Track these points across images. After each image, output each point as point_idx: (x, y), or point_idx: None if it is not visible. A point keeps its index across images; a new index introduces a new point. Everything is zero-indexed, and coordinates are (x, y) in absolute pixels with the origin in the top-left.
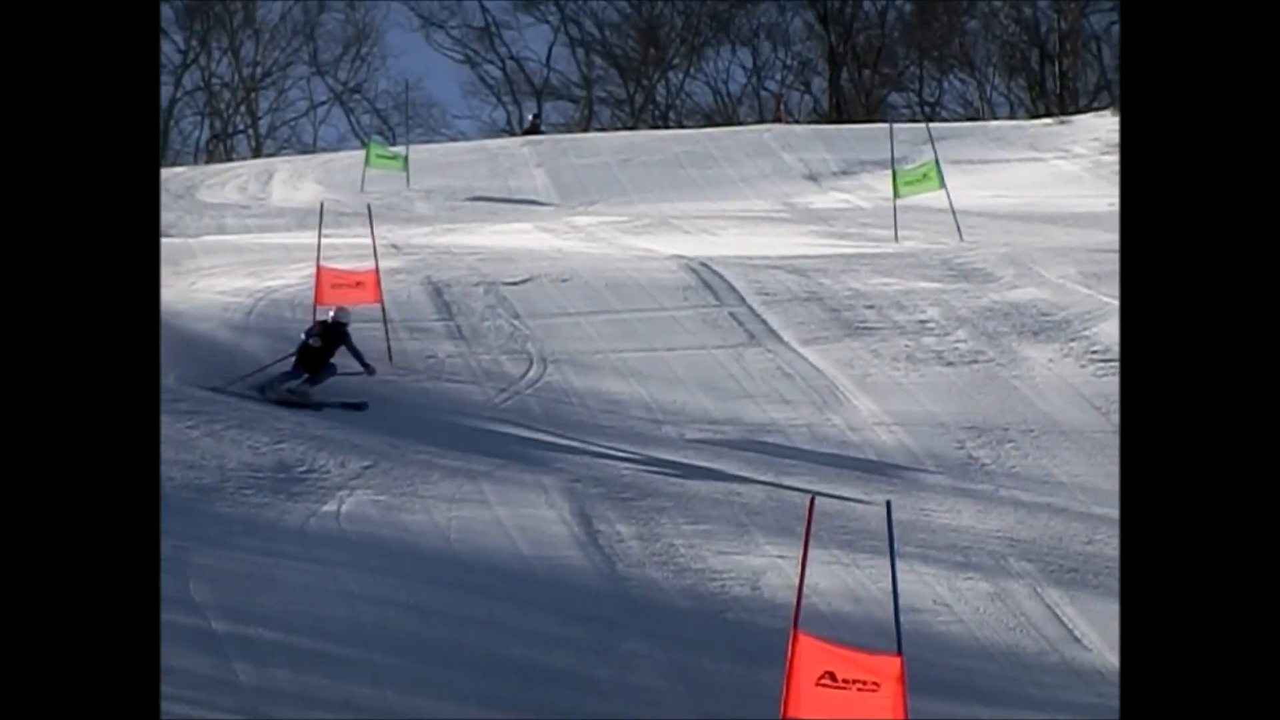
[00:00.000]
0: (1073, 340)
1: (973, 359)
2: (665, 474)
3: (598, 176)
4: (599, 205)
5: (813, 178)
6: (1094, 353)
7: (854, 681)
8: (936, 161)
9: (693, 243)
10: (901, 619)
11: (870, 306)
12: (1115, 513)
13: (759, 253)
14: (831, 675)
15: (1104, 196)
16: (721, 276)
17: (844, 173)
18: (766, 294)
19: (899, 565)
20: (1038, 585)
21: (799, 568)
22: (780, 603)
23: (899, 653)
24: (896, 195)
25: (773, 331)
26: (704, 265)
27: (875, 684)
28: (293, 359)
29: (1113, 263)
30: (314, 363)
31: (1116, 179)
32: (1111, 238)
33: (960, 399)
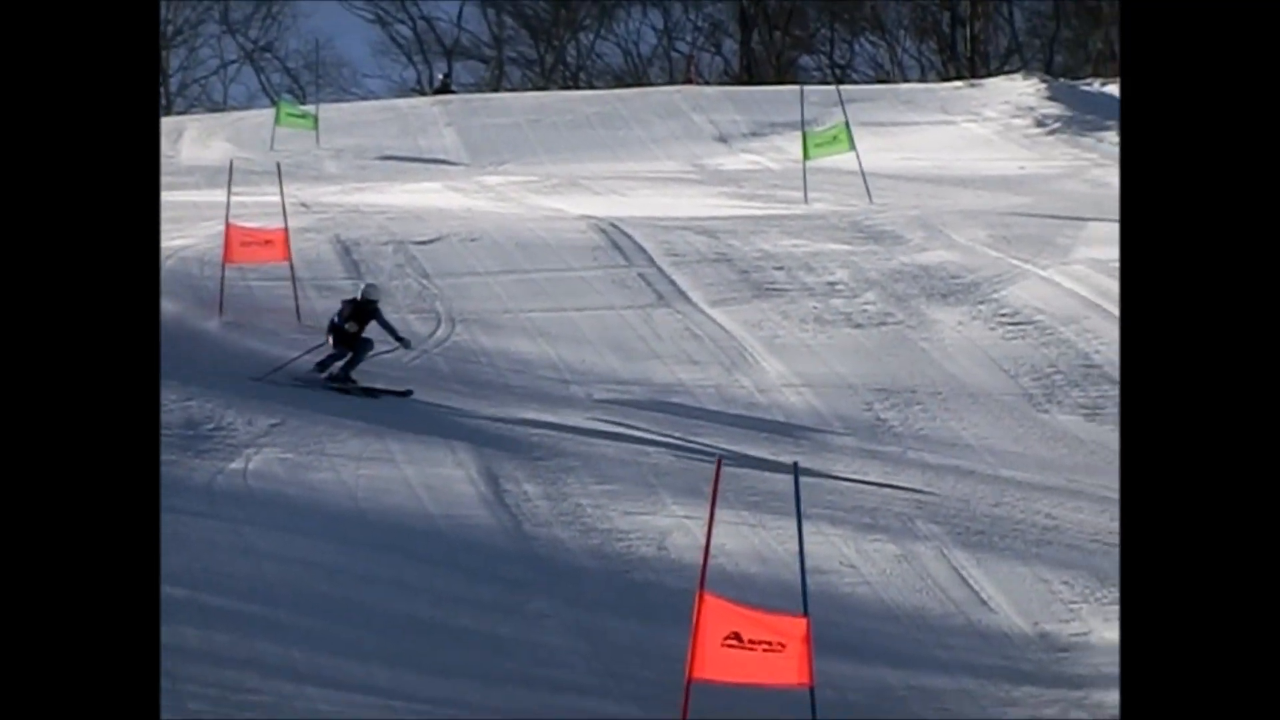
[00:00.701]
0: (982, 303)
1: (881, 321)
2: (573, 434)
3: (508, 137)
4: (509, 165)
5: (723, 139)
6: (1003, 316)
7: (760, 642)
8: (847, 124)
9: (602, 203)
10: (808, 580)
11: (779, 268)
12: (1023, 475)
13: (668, 214)
14: (737, 636)
15: (1014, 160)
16: (630, 237)
17: (754, 134)
18: (675, 255)
19: (806, 527)
20: (945, 547)
21: (706, 528)
22: (687, 563)
23: (805, 614)
24: (806, 157)
25: (681, 292)
26: (613, 226)
27: (781, 645)
28: (329, 341)
29: (1022, 225)
30: (350, 341)
31: (1026, 141)
32: (1021, 200)
33: (868, 361)
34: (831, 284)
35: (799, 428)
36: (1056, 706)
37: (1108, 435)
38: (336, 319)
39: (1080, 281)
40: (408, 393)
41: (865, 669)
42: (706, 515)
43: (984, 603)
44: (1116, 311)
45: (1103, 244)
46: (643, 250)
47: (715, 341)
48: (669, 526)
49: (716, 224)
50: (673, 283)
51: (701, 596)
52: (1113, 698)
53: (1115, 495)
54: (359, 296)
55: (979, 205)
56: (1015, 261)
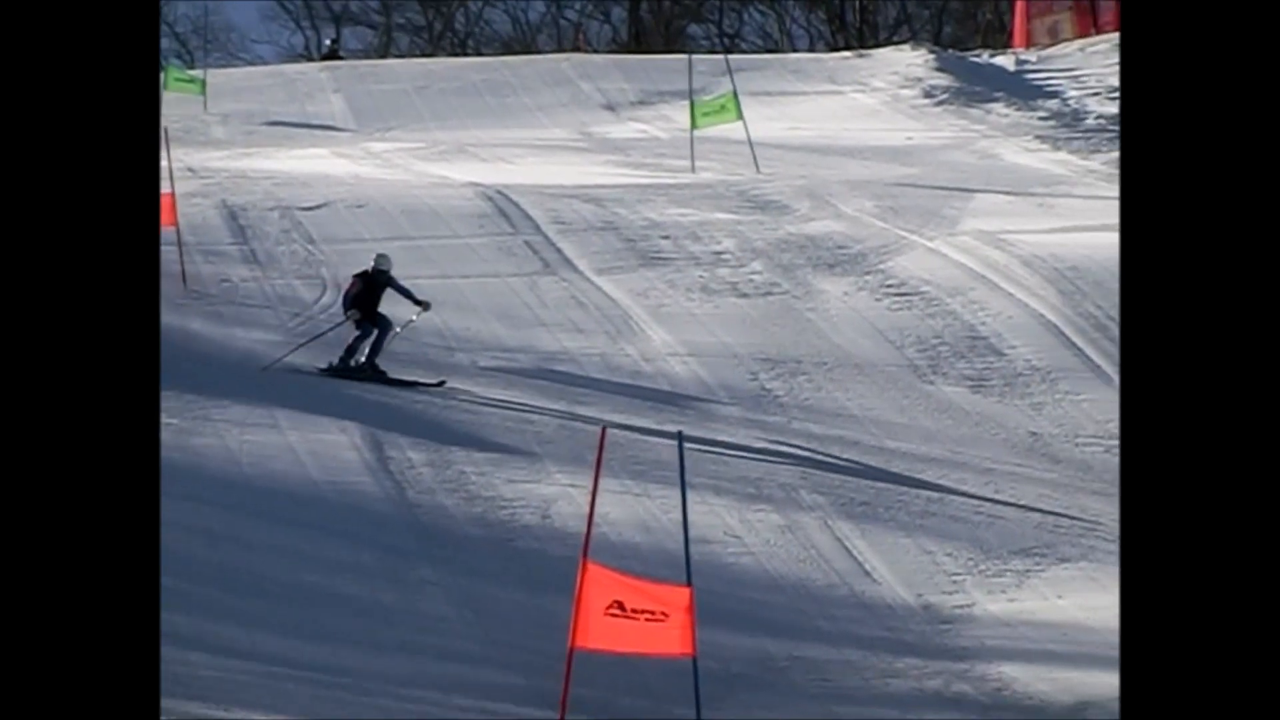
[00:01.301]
0: (868, 274)
1: (767, 291)
2: (458, 401)
3: (395, 103)
4: (396, 132)
5: (610, 108)
6: (889, 287)
7: (643, 611)
8: (735, 93)
9: (489, 170)
10: (691, 550)
11: (666, 237)
12: (907, 446)
13: (555, 181)
14: (620, 605)
15: (902, 130)
16: (517, 205)
17: (642, 103)
18: (562, 223)
19: (690, 496)
20: (828, 518)
21: (590, 497)
22: (570, 532)
23: (688, 583)
24: (694, 126)
25: (568, 260)
26: (500, 193)
27: (664, 614)
28: (351, 316)
29: (909, 196)
30: (367, 314)
31: (914, 112)
32: (908, 171)
33: (754, 331)
34: (718, 253)
35: (684, 397)
36: (940, 679)
37: (993, 407)
38: (347, 296)
39: (967, 253)
40: (441, 383)
41: (748, 639)
42: (590, 484)
43: (867, 574)
44: (1003, 283)
45: (990, 215)
46: (529, 218)
47: (601, 310)
48: (553, 495)
49: (603, 192)
50: (559, 251)
51: (585, 565)
52: (996, 670)
53: (999, 467)
54: (370, 268)
55: (866, 176)
56: (902, 232)
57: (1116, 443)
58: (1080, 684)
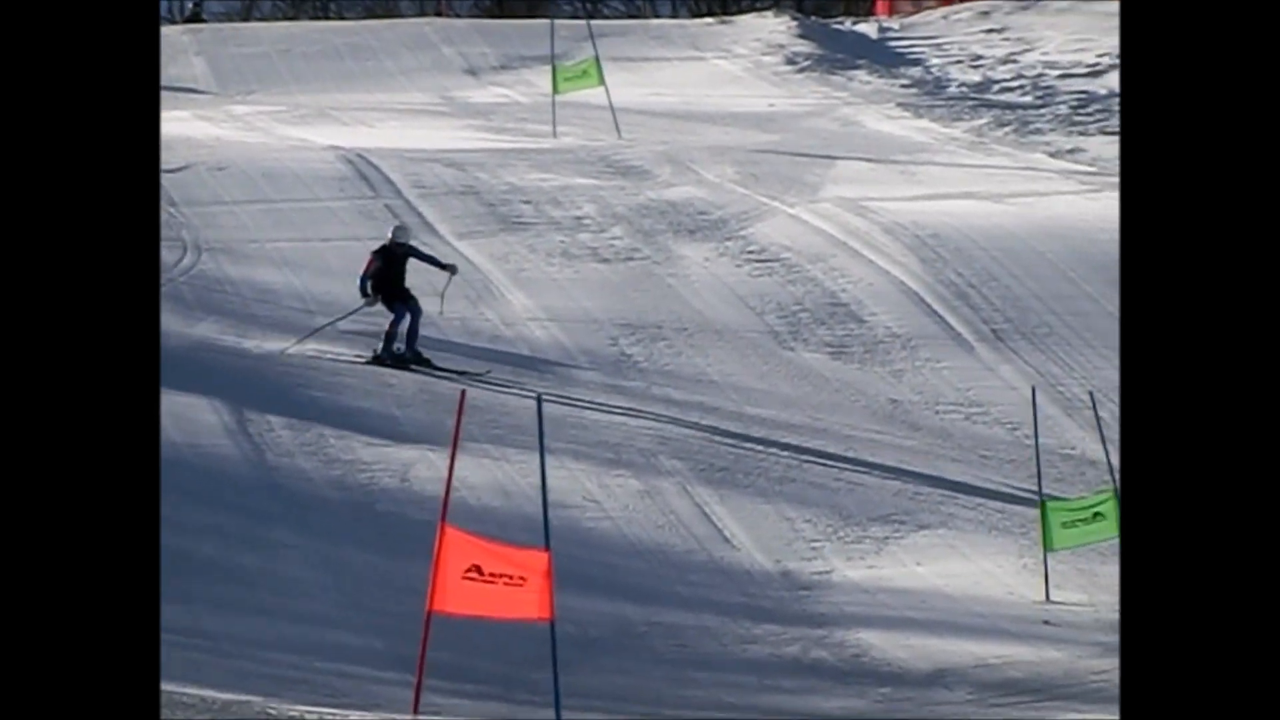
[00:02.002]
0: (729, 240)
1: (628, 256)
2: (317, 365)
3: (257, 66)
4: (258, 95)
5: (472, 72)
6: (750, 253)
7: (501, 575)
8: (596, 58)
9: (350, 134)
10: (550, 515)
11: (527, 202)
12: (768, 412)
13: (416, 145)
14: (478, 569)
15: (764, 97)
16: (378, 168)
17: (503, 68)
18: (422, 187)
19: (549, 461)
20: (687, 484)
21: (448, 461)
22: (429, 495)
23: (547, 548)
24: (556, 91)
25: (428, 224)
26: (361, 157)
27: (522, 579)
28: (368, 302)
29: (770, 162)
30: (394, 292)
31: (776, 79)
32: (770, 138)
33: (615, 296)
34: (579, 219)
35: (544, 361)
36: (798, 645)
37: (853, 374)
38: (366, 276)
39: (828, 220)
40: (487, 371)
41: (606, 604)
42: (449, 448)
43: (726, 540)
44: (864, 250)
45: (851, 182)
46: (390, 182)
47: (461, 274)
48: (412, 459)
49: (464, 157)
50: (419, 215)
51: (443, 529)
52: (854, 636)
53: (859, 434)
54: (389, 241)
55: (728, 142)
56: (763, 199)
57: (976, 410)
58: (938, 651)
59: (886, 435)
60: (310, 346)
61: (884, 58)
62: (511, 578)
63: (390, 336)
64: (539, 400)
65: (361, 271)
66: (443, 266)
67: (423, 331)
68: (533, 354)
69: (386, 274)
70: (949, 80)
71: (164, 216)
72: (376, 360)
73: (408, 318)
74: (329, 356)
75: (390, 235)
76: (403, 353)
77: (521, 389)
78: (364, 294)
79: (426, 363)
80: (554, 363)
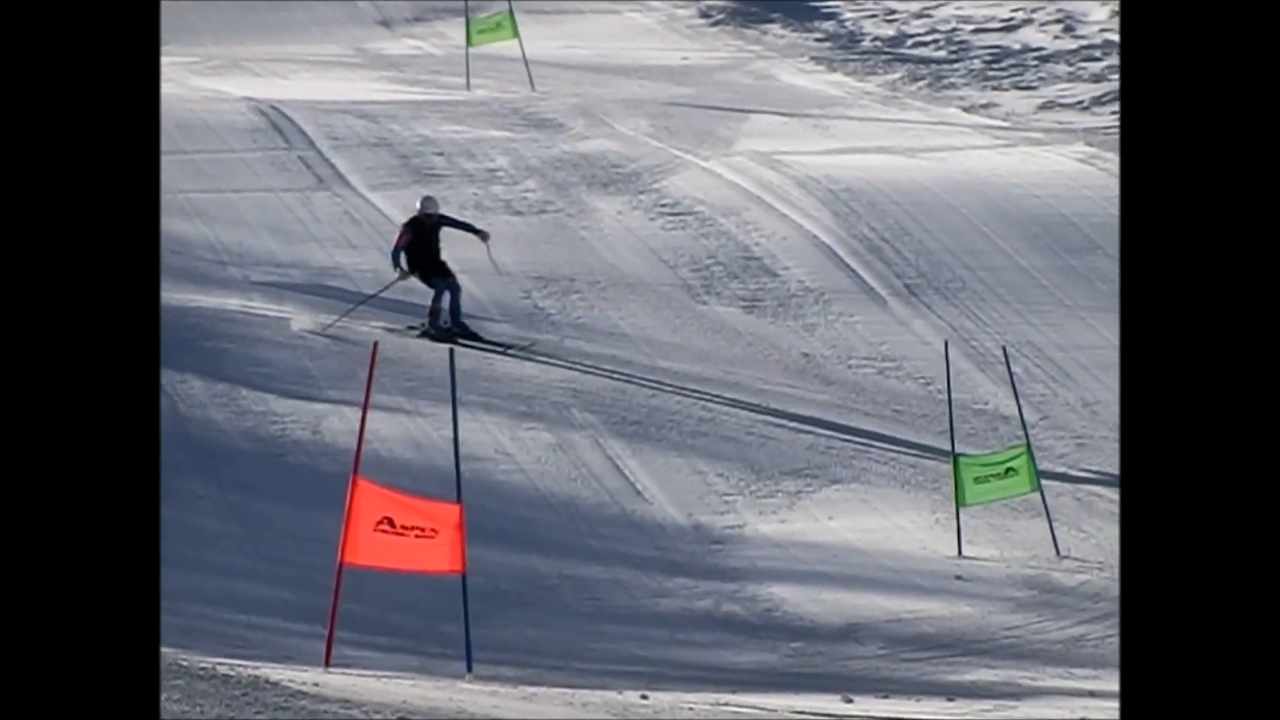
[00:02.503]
0: (642, 193)
1: (541, 209)
2: (229, 316)
3: (169, 16)
4: (170, 45)
5: (385, 23)
6: (663, 206)
7: (413, 528)
8: (511, 11)
9: (263, 85)
10: (462, 467)
11: (440, 154)
12: (680, 366)
13: (330, 97)
14: (390, 521)
15: (677, 50)
16: (291, 120)
17: (417, 19)
18: (336, 139)
19: (461, 414)
20: (600, 437)
21: (361, 413)
22: (341, 448)
23: (458, 500)
24: (469, 43)
25: (341, 176)
26: (274, 108)
27: (434, 531)
28: (401, 275)
29: (684, 116)
30: (431, 265)
31: (690, 32)
32: (683, 91)
33: (528, 249)
34: (492, 171)
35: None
36: (710, 599)
37: (766, 327)
38: (397, 249)
39: (741, 173)
40: (531, 344)
41: (518, 557)
42: (362, 400)
43: (639, 493)
44: (777, 204)
45: (765, 136)
46: (303, 133)
47: (374, 226)
48: (324, 411)
49: (378, 109)
50: (332, 166)
51: (355, 481)
52: (766, 590)
53: (772, 388)
54: (418, 212)
55: (642, 95)
56: (676, 152)
57: (889, 364)
58: (850, 605)
59: (799, 389)
60: (235, 302)
61: (798, 12)
62: (423, 530)
63: (434, 313)
64: (451, 353)
65: (392, 245)
66: (476, 232)
67: (334, 282)
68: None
69: (419, 246)
70: (863, 34)
71: None
72: (423, 334)
73: (448, 294)
74: (242, 308)
75: (419, 206)
76: (449, 327)
77: (434, 342)
78: (396, 266)
79: (474, 336)
80: (467, 315)
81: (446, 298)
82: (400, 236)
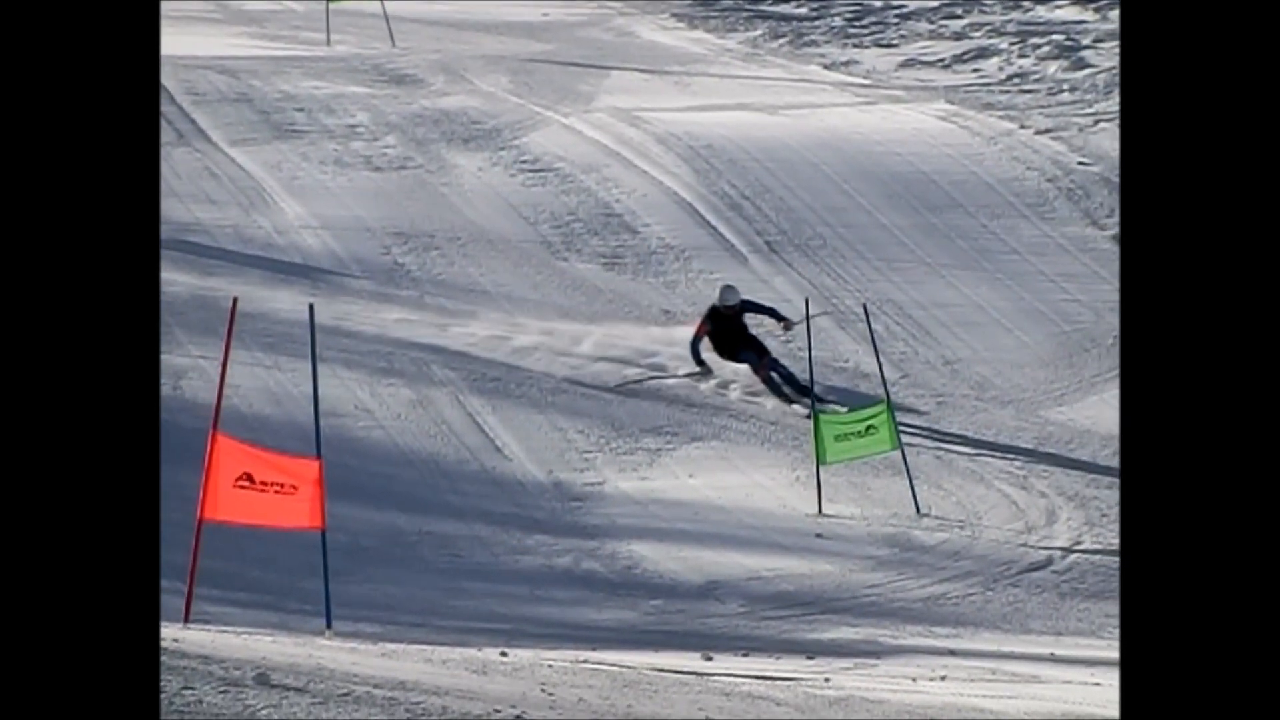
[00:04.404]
0: (502, 149)
1: (401, 165)
2: None
3: None
4: None
5: None
6: (523, 163)
7: (272, 484)
8: None
9: None
10: (322, 423)
11: (300, 109)
12: (542, 322)
13: (189, 52)
14: (249, 477)
15: (538, 6)
16: None
17: None
18: (195, 94)
19: (321, 369)
20: (460, 393)
21: (220, 368)
22: (201, 403)
23: (318, 456)
24: None
25: (201, 131)
26: None
27: (293, 487)
28: (702, 371)
29: (545, 72)
30: (735, 343)
31: None
32: (544, 47)
33: (388, 205)
34: (352, 127)
35: (317, 270)
36: (570, 556)
37: (626, 284)
38: (698, 341)
39: (602, 130)
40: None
41: (378, 513)
42: (221, 355)
43: (499, 450)
44: (638, 160)
45: (625, 93)
46: (163, 88)
47: (234, 181)
48: (184, 366)
49: (238, 64)
50: (192, 121)
51: (214, 437)
52: (626, 548)
53: (632, 345)
54: (718, 304)
55: (502, 51)
56: (537, 108)
57: (751, 321)
58: (710, 563)
59: (659, 345)
60: None
61: None
62: (283, 486)
63: (773, 384)
64: (310, 308)
65: (693, 336)
66: (781, 319)
67: (193, 237)
68: (305, 262)
69: (722, 337)
70: None
71: None
72: (783, 396)
73: (774, 373)
74: None
75: (718, 296)
76: (791, 394)
77: (295, 297)
78: (696, 360)
79: (808, 393)
80: (327, 271)
81: (778, 375)
82: (700, 328)
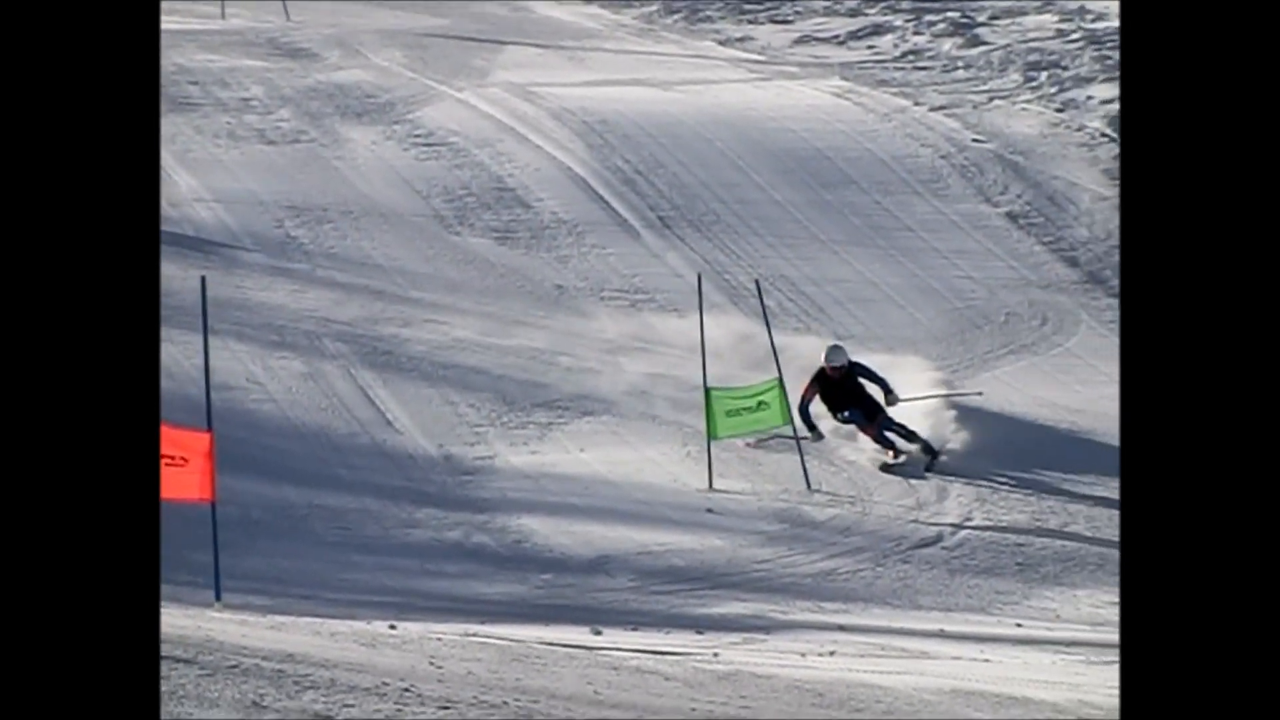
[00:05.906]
0: (396, 124)
1: (295, 138)
2: None
3: None
4: None
5: None
6: (417, 137)
7: (163, 456)
8: None
9: None
10: (213, 396)
11: (194, 83)
12: (432, 296)
13: None
14: None
15: None
16: None
17: None
18: None
19: (213, 342)
20: (351, 367)
21: None
22: None
23: (209, 429)
24: None
25: None
26: None
27: (184, 459)
28: (813, 436)
29: (439, 46)
30: (844, 401)
31: None
32: (439, 22)
33: (281, 178)
34: (246, 100)
35: (209, 243)
36: (460, 529)
37: (519, 259)
38: (807, 404)
39: (496, 104)
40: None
41: (268, 486)
42: None
43: (389, 423)
44: (531, 135)
45: (520, 68)
46: None
47: None
48: None
49: None
50: None
51: None
52: (516, 522)
53: (522, 319)
54: (827, 367)
55: (396, 25)
56: (431, 83)
57: (642, 296)
58: (600, 537)
59: (551, 320)
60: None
61: None
62: (173, 458)
63: (891, 444)
64: (202, 280)
65: (801, 401)
66: (888, 390)
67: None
68: (198, 235)
69: (832, 399)
70: None
71: None
72: (928, 468)
73: (887, 432)
74: None
75: (825, 356)
76: (918, 445)
77: (186, 271)
78: (807, 425)
79: (930, 450)
80: (219, 244)
81: (893, 432)
82: (807, 391)
